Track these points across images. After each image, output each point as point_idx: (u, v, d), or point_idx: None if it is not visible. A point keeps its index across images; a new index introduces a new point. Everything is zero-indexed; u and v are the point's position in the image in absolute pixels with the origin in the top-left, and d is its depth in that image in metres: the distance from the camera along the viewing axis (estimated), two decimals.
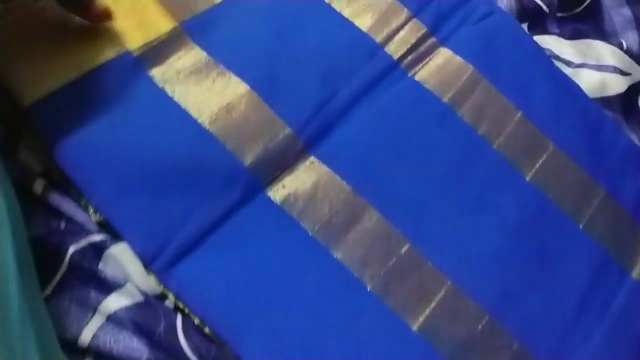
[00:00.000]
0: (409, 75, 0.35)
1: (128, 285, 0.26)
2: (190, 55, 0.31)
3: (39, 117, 0.27)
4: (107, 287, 0.25)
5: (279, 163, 0.30)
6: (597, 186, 0.35)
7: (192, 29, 0.32)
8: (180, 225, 0.27)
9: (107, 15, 0.29)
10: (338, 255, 0.29)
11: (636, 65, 0.41)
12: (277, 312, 0.27)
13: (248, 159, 0.30)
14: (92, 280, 0.25)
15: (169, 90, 0.30)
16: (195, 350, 0.25)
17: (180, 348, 0.25)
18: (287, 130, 0.31)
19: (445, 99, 0.35)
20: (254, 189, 0.29)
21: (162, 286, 0.27)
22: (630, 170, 0.37)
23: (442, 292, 0.30)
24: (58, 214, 0.27)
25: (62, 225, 0.26)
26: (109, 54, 0.30)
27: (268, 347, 0.26)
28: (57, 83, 0.28)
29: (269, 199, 0.30)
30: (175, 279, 0.27)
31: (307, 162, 0.31)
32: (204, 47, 0.31)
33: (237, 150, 0.29)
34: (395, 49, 0.35)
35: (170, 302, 0.27)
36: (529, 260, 0.32)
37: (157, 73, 0.30)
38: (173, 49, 0.31)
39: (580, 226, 0.34)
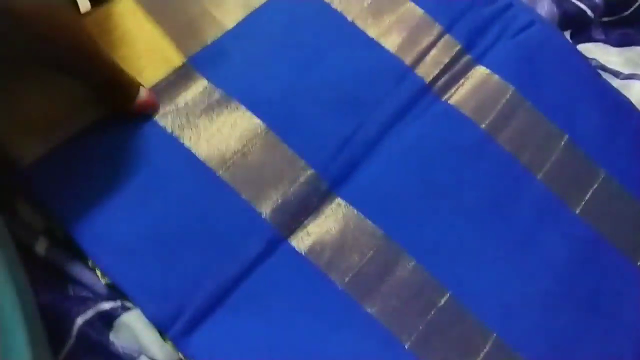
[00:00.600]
0: (443, 99, 0.32)
1: (142, 358, 0.23)
2: (200, 92, 0.28)
3: (39, 176, 0.24)
4: None
5: (302, 208, 0.28)
6: None
7: (201, 63, 0.29)
8: (196, 286, 0.25)
9: (152, 105, 0.27)
10: (372, 309, 0.27)
11: None
12: None
13: (267, 209, 0.27)
14: (102, 354, 0.23)
15: (178, 135, 0.27)
16: None
17: None
18: (309, 172, 0.28)
19: (483, 125, 0.31)
20: (276, 240, 0.27)
21: (180, 354, 0.24)
22: None
23: (488, 347, 0.27)
24: (63, 277, 0.24)
25: (70, 290, 0.24)
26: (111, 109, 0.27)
27: None
28: (59, 138, 0.25)
29: (293, 249, 0.27)
30: (195, 347, 0.24)
31: (334, 205, 0.28)
32: (214, 81, 0.28)
33: (254, 199, 0.27)
34: (426, 70, 0.32)
35: None
36: (582, 306, 0.29)
37: (165, 117, 0.27)
38: (182, 87, 0.28)
39: (639, 264, 0.30)
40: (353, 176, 0.29)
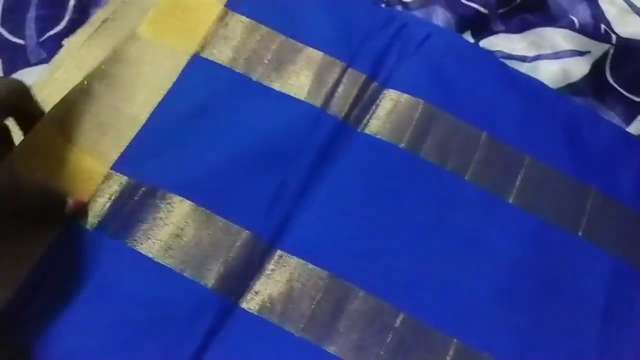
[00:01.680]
0: (359, 131, 0.33)
1: None
2: (127, 192, 0.30)
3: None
4: None
5: (246, 270, 0.29)
6: (587, 187, 0.33)
7: (122, 166, 0.30)
8: None
9: (81, 208, 0.29)
10: (332, 348, 0.28)
11: (593, 40, 0.38)
12: None
13: (211, 280, 0.28)
14: None
15: (120, 237, 0.29)
16: None
17: None
18: (245, 234, 0.29)
19: (403, 144, 0.33)
20: (225, 307, 0.28)
21: None
22: (619, 158, 0.34)
23: (451, 354, 0.28)
24: None
25: None
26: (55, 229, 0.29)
27: None
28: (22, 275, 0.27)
29: (245, 311, 0.28)
30: None
31: (275, 259, 0.29)
32: (141, 180, 0.30)
33: (197, 275, 0.28)
34: (338, 107, 0.34)
35: None
36: (538, 291, 0.30)
37: (104, 224, 0.29)
38: (109, 193, 0.30)
39: (581, 235, 0.31)
40: (289, 227, 0.30)
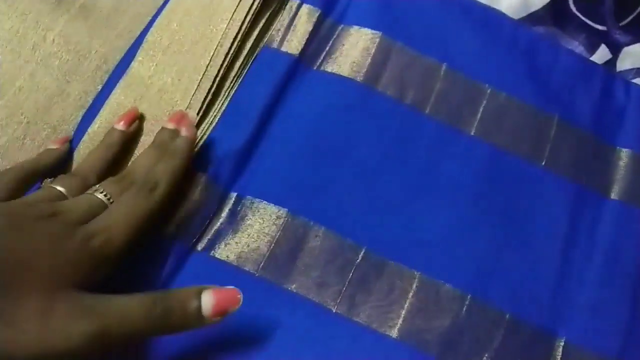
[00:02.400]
0: (315, 68, 0.32)
1: None
2: None
3: None
4: None
5: (203, 214, 0.28)
6: (548, 115, 0.32)
7: None
8: None
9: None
10: (292, 286, 0.27)
11: None
12: None
13: (171, 228, 0.27)
14: None
15: None
16: None
17: None
18: (203, 179, 0.29)
19: (360, 79, 0.32)
20: (183, 251, 0.27)
21: None
22: (579, 85, 0.33)
23: (414, 287, 0.28)
24: None
25: None
26: None
27: None
28: None
29: (203, 256, 0.27)
30: None
31: (232, 202, 0.29)
32: None
33: (164, 229, 0.27)
34: (294, 45, 0.32)
35: None
36: (497, 222, 0.29)
37: None
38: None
39: (543, 164, 0.31)
40: (245, 169, 0.29)
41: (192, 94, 0.30)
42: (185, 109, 0.29)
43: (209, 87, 0.30)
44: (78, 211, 0.23)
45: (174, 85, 0.30)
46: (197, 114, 0.29)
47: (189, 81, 0.30)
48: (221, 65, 0.30)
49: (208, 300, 0.22)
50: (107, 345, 0.20)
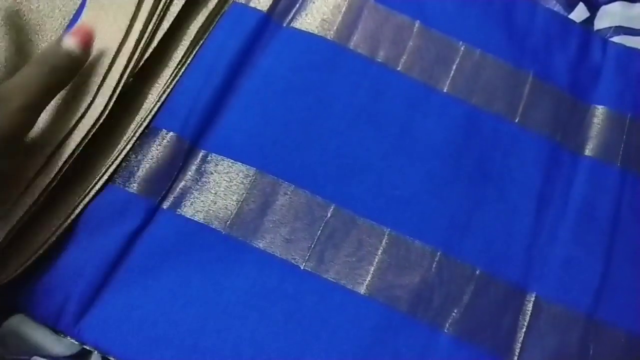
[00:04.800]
0: (284, 25, 0.31)
1: (35, 359, 0.23)
2: None
3: None
4: None
5: (169, 171, 0.27)
6: (523, 73, 0.32)
7: None
8: (77, 275, 0.25)
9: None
10: (261, 243, 0.27)
11: None
12: (210, 328, 0.25)
13: (134, 184, 0.27)
14: None
15: None
16: None
17: None
18: (169, 135, 0.28)
19: (331, 36, 0.31)
20: (150, 209, 0.27)
21: (78, 344, 0.24)
22: (555, 43, 0.33)
23: (383, 244, 0.27)
24: None
25: None
26: None
27: None
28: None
29: (170, 212, 0.27)
30: (87, 330, 0.24)
31: (199, 158, 0.28)
32: None
33: (123, 182, 0.27)
34: (263, 1, 0.31)
35: (96, 356, 0.25)
36: (471, 179, 0.29)
37: None
38: None
39: (517, 122, 0.30)
40: (213, 126, 0.29)
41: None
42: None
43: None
44: None
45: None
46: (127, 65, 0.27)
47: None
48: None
49: (72, 41, 0.25)
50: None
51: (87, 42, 0.25)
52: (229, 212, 0.27)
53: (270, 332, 0.25)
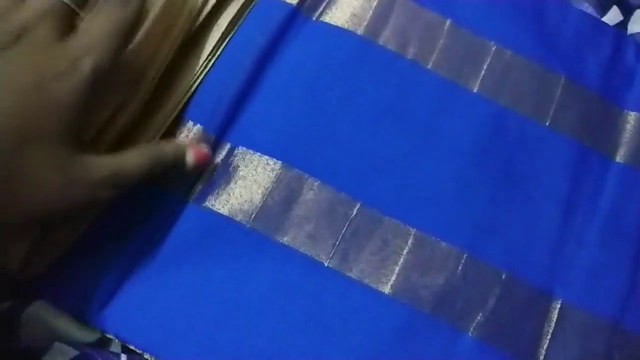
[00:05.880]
0: (314, 19, 0.31)
1: (56, 345, 0.23)
2: None
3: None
4: (35, 354, 0.23)
5: None
6: (554, 75, 0.31)
7: None
8: (101, 265, 0.25)
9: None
10: (285, 239, 0.26)
11: None
12: (230, 323, 0.25)
13: (163, 179, 0.27)
14: (12, 354, 0.23)
15: None
16: None
17: None
18: (195, 128, 0.28)
19: (360, 31, 0.31)
20: (175, 201, 0.27)
21: (99, 332, 0.24)
22: (588, 46, 0.32)
23: (409, 244, 0.27)
24: None
25: None
26: None
27: None
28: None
29: (195, 205, 0.27)
30: (109, 319, 0.24)
31: (225, 151, 0.28)
32: None
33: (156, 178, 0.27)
34: None
35: (116, 345, 0.25)
36: (497, 181, 0.29)
37: None
38: None
39: (547, 124, 0.30)
40: (239, 119, 0.28)
41: None
42: None
43: None
44: (45, 23, 0.20)
45: None
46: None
47: None
48: None
49: (190, 157, 0.25)
50: (117, 187, 0.22)
51: (201, 162, 0.26)
52: (254, 205, 0.27)
53: (290, 329, 0.25)
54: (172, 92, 0.28)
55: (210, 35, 0.29)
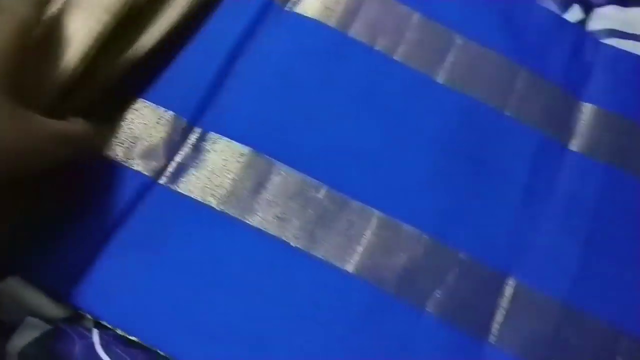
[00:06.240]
0: (287, 9, 0.32)
1: (29, 320, 0.24)
2: None
3: None
4: (6, 329, 0.24)
5: (168, 150, 0.28)
6: (518, 67, 0.32)
7: None
8: (75, 242, 0.26)
9: None
10: (253, 221, 0.27)
11: None
12: (202, 300, 0.26)
13: (136, 159, 0.28)
14: None
15: None
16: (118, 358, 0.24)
17: None
18: (168, 114, 0.28)
19: (332, 23, 0.32)
20: (146, 185, 0.27)
21: (71, 307, 0.25)
22: (551, 41, 0.34)
23: (373, 226, 0.28)
24: None
25: None
26: None
27: (200, 340, 0.25)
28: None
29: (165, 188, 0.28)
30: (82, 295, 0.25)
31: (196, 136, 0.29)
32: None
33: (124, 157, 0.28)
34: None
35: (88, 321, 0.25)
36: (461, 168, 0.30)
37: None
38: None
39: (508, 114, 0.31)
40: (211, 106, 0.29)
41: None
42: None
43: None
44: None
45: None
46: None
47: None
48: None
49: None
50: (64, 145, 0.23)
51: None
52: (224, 189, 0.28)
53: (261, 305, 0.26)
54: (112, 61, 0.28)
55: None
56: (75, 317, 0.25)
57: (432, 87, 0.31)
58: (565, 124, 0.32)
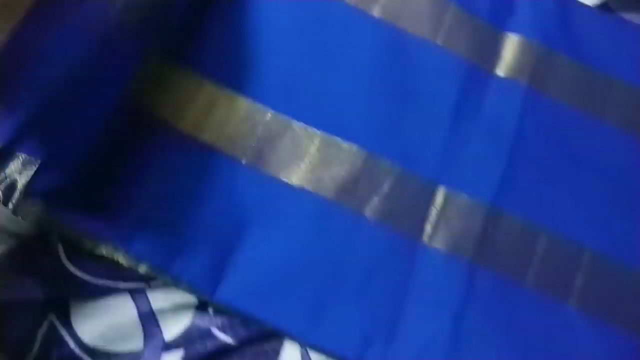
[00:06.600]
0: None
1: None
2: None
3: None
4: None
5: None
6: (447, 3, 0.35)
7: None
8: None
9: None
10: (206, 138, 0.30)
11: None
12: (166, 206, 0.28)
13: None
14: None
15: None
16: (84, 269, 0.26)
17: (70, 273, 0.26)
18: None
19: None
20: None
21: (37, 226, 0.27)
22: None
23: (316, 143, 0.31)
24: None
25: None
26: None
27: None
28: None
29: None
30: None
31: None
32: None
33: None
34: None
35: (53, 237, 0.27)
36: (396, 92, 0.33)
37: None
38: None
39: (438, 43, 0.34)
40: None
41: None
42: None
43: None
44: None
45: None
46: None
47: None
48: None
49: None
50: None
51: None
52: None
53: (218, 221, 0.29)
54: None
55: None
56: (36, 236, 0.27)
57: (367, 20, 0.34)
58: (491, 52, 0.35)
